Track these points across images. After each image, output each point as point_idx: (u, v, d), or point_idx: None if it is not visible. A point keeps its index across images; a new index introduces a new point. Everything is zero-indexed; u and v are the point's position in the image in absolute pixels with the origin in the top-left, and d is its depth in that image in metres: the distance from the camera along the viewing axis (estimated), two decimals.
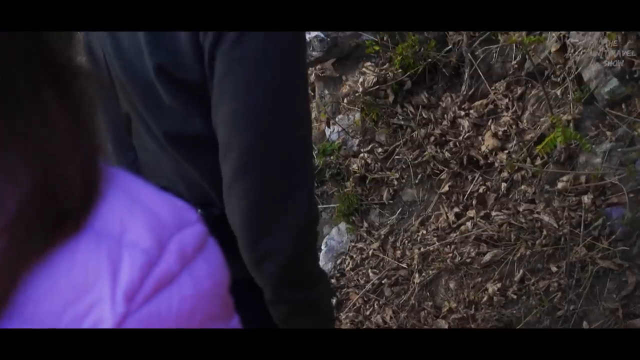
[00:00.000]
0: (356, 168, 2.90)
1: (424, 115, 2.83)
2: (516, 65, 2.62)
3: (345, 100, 2.97)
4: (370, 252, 2.74)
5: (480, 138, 2.66)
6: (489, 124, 2.65)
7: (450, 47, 2.78)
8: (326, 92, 3.15)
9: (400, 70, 2.84)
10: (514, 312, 2.24)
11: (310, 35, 2.87)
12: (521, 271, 2.30)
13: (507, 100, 2.65)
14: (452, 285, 2.42)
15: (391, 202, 2.83)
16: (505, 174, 2.54)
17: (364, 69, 2.94)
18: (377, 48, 2.82)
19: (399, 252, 2.67)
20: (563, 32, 2.39)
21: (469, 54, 2.69)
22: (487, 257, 2.39)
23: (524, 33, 2.37)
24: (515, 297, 2.27)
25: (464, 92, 2.76)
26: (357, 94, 2.90)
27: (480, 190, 2.57)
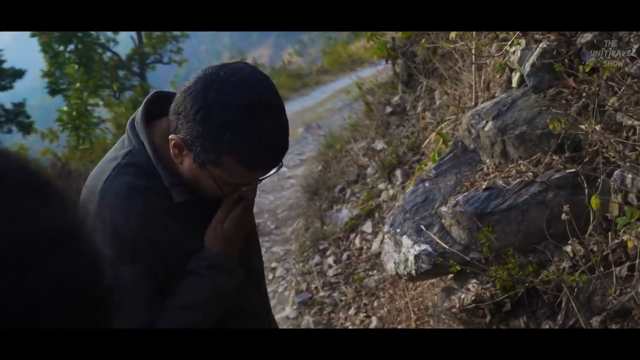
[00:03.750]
0: None
1: None
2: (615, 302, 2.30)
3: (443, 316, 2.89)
4: None
5: None
6: None
7: (546, 271, 2.49)
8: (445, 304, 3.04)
9: (499, 291, 2.67)
10: None
11: (419, 248, 2.80)
12: None
13: None
14: None
15: None
16: None
17: (469, 286, 2.85)
18: (458, 268, 2.63)
19: None
20: None
21: (565, 286, 2.39)
22: None
23: None
24: None
25: (560, 322, 2.48)
26: (453, 310, 2.84)
27: None
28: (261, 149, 1.26)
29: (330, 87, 13.51)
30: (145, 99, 1.46)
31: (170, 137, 1.32)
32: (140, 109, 1.44)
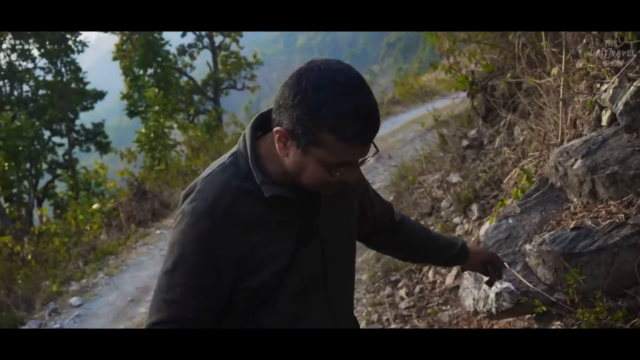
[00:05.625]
0: None
1: None
2: None
3: None
4: None
5: None
6: None
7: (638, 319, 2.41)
8: None
9: None
10: None
11: (501, 286, 2.74)
12: None
13: None
14: None
15: None
16: None
17: (553, 328, 2.79)
18: (544, 308, 2.55)
19: None
20: None
21: None
22: None
23: None
24: None
25: None
26: None
27: None
28: (355, 120, 1.34)
29: (401, 117, 13.51)
30: (260, 112, 1.57)
31: (274, 130, 1.43)
32: (253, 118, 1.56)
